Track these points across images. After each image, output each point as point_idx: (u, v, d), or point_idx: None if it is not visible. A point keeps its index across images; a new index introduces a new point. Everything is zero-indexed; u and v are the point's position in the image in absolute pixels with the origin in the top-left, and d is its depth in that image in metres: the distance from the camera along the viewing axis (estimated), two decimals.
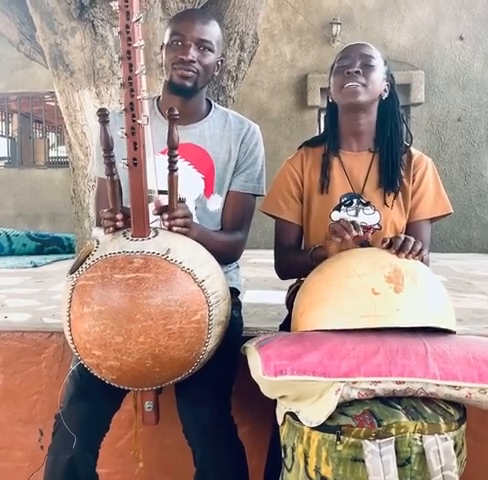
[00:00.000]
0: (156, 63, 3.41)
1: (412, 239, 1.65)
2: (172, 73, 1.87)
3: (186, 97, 1.91)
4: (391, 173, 1.92)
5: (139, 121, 1.45)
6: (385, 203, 1.93)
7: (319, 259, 1.76)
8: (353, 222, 1.71)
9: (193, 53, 1.84)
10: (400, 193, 1.94)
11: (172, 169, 1.55)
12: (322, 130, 2.13)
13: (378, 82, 1.89)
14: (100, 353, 1.46)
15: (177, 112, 1.51)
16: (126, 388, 1.60)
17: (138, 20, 1.40)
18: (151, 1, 3.70)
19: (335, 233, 1.69)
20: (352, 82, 1.84)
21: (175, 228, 1.60)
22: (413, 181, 1.95)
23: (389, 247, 1.62)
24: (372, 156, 1.97)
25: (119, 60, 1.43)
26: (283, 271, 2.06)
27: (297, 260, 1.95)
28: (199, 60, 1.85)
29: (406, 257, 1.60)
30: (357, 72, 1.85)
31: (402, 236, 1.65)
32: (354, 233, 1.66)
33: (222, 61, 1.99)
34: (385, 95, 1.94)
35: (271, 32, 7.97)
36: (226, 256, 1.95)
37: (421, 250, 1.63)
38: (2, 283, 3.79)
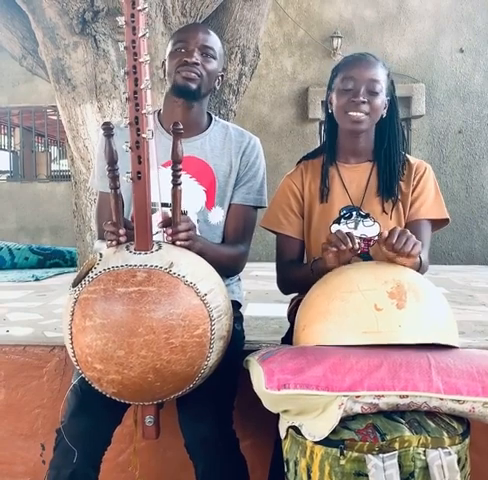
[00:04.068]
0: (158, 77, 3.43)
1: (408, 232, 1.62)
2: (176, 77, 1.88)
3: (188, 104, 1.92)
4: (389, 180, 1.93)
5: (144, 135, 1.46)
6: (384, 211, 1.93)
7: (318, 271, 1.75)
8: (349, 233, 1.70)
9: (197, 56, 1.86)
10: (400, 202, 1.94)
11: (176, 183, 1.56)
12: (322, 142, 2.13)
13: (381, 107, 1.89)
14: (101, 367, 1.45)
15: (181, 126, 1.52)
16: (127, 402, 1.60)
17: (144, 35, 1.41)
18: (153, 16, 3.72)
19: (331, 243, 1.68)
20: (357, 112, 1.85)
21: (178, 242, 1.60)
22: (412, 184, 1.95)
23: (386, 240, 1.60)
24: (371, 167, 1.98)
25: (124, 75, 1.44)
26: (285, 286, 2.06)
27: (298, 275, 1.94)
28: (202, 64, 1.87)
29: (401, 251, 1.58)
30: (363, 102, 1.84)
31: (398, 228, 1.62)
32: (350, 245, 1.65)
33: (223, 76, 2.01)
34: (385, 113, 1.94)
35: (272, 46, 8.01)
36: (229, 269, 1.95)
37: (415, 245, 1.60)
38: (4, 297, 3.79)
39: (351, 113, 1.85)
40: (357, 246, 1.67)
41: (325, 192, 1.97)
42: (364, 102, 1.85)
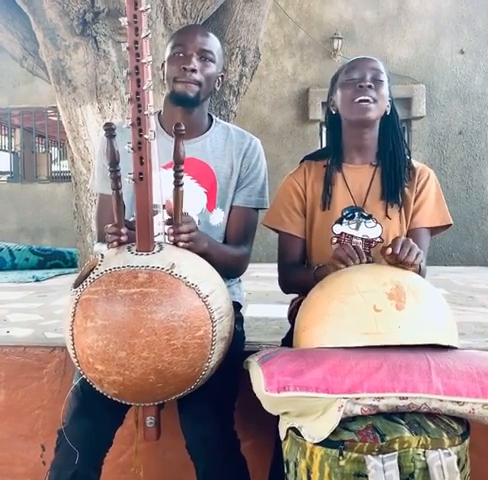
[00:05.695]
0: (158, 78, 3.43)
1: (411, 241, 1.65)
2: (174, 85, 1.88)
3: (188, 109, 1.92)
4: (394, 186, 1.93)
5: (146, 136, 1.46)
6: (387, 215, 1.93)
7: (321, 278, 1.74)
8: (356, 248, 1.72)
9: (195, 62, 1.86)
10: (403, 207, 1.94)
11: (177, 184, 1.55)
12: (324, 144, 2.13)
13: (386, 97, 1.90)
14: (103, 368, 1.45)
15: (183, 127, 1.52)
16: (128, 403, 1.60)
17: (147, 36, 1.41)
18: (153, 17, 3.73)
19: (339, 259, 1.69)
20: (364, 96, 1.84)
21: (180, 243, 1.60)
22: (415, 190, 1.95)
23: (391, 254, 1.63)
24: (374, 170, 1.97)
25: (127, 75, 1.43)
26: (287, 286, 2.06)
27: (300, 277, 1.94)
28: (201, 70, 1.87)
29: (404, 261, 1.60)
30: (369, 86, 1.85)
31: (401, 238, 1.65)
32: (357, 261, 1.67)
33: (223, 76, 2.01)
34: (388, 111, 1.95)
35: (273, 47, 8.01)
36: (232, 270, 1.95)
37: (418, 254, 1.63)
38: (4, 298, 3.79)
39: (360, 98, 1.85)
40: (365, 260, 1.68)
41: (327, 199, 1.97)
42: (370, 86, 1.85)
